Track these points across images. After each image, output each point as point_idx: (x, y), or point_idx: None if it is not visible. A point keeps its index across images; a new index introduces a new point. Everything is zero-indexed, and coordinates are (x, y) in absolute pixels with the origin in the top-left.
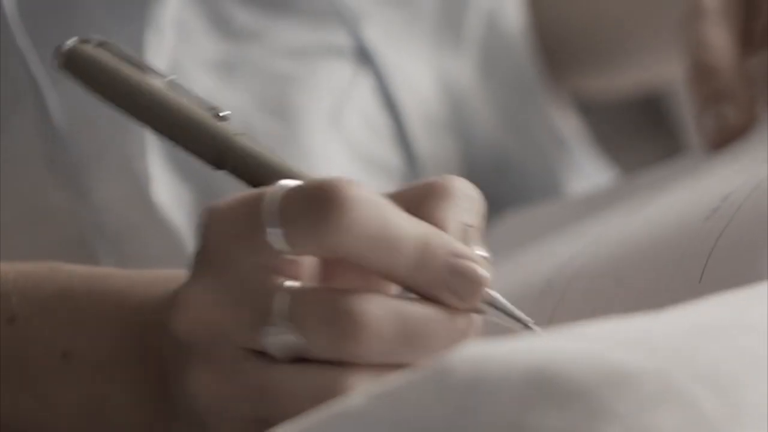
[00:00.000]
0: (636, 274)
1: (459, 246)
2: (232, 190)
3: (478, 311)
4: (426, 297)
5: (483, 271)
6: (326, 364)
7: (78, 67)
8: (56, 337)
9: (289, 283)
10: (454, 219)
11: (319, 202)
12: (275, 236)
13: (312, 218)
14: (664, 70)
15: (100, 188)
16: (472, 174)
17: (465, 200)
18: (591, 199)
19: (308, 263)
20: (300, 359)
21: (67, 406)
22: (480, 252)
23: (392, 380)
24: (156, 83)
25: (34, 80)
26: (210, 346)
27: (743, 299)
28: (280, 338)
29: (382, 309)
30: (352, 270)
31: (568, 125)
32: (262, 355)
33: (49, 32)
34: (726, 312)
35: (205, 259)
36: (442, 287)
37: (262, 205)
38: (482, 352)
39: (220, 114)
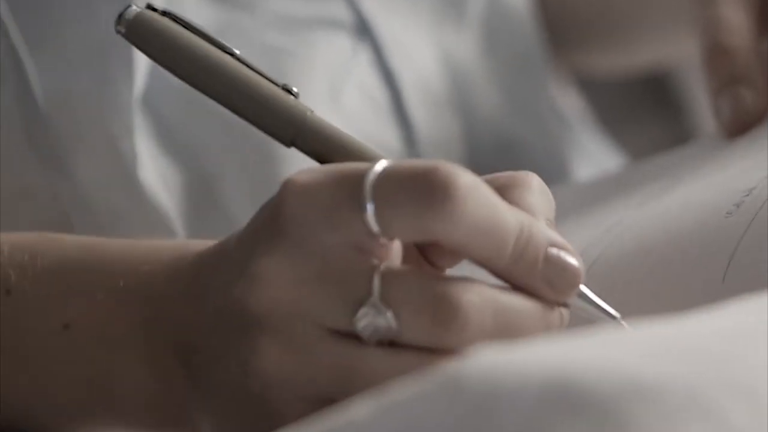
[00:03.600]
0: (653, 272)
1: (557, 236)
2: (227, 173)
3: (566, 305)
4: (520, 287)
5: (579, 264)
6: (416, 349)
7: (143, 35)
8: (55, 308)
9: (385, 265)
10: (541, 211)
11: (430, 187)
12: (374, 217)
13: (421, 203)
14: (675, 49)
15: (84, 168)
16: (473, 154)
17: (545, 195)
18: (600, 185)
19: (396, 246)
20: (387, 343)
21: (69, 379)
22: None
23: (400, 389)
24: (226, 57)
25: (15, 54)
26: (287, 321)
27: None
28: (373, 320)
29: (479, 298)
30: (440, 253)
31: (572, 104)
32: (345, 335)
33: (31, 5)
34: (753, 317)
35: (281, 232)
36: (539, 278)
37: (363, 183)
38: (496, 360)
39: (291, 90)
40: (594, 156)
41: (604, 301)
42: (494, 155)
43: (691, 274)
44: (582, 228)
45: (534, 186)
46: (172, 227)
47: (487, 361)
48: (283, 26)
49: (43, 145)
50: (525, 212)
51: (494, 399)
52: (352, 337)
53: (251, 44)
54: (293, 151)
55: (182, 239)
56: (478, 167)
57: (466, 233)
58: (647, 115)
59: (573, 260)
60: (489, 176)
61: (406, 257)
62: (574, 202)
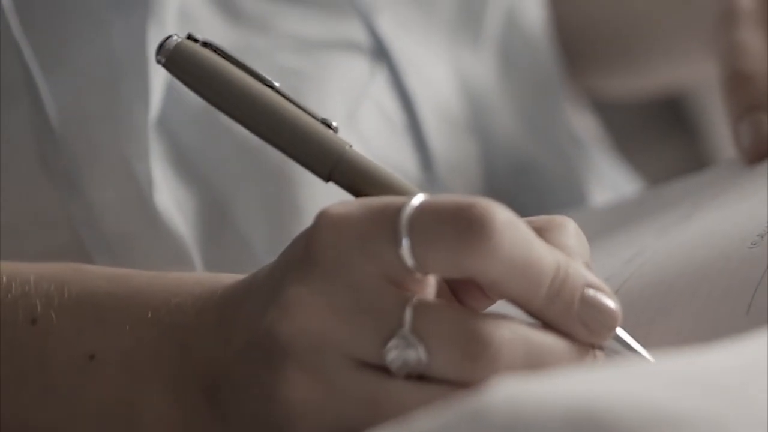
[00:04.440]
0: (677, 302)
1: (594, 278)
2: (241, 198)
3: (600, 347)
4: (554, 327)
5: (617, 306)
6: (445, 383)
7: (183, 66)
8: (80, 338)
9: (417, 297)
10: (578, 253)
11: (467, 224)
12: (409, 251)
13: (458, 239)
14: (691, 72)
15: (97, 191)
16: (490, 177)
17: (581, 239)
18: (617, 211)
19: (430, 281)
20: (416, 376)
21: (93, 410)
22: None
23: (423, 419)
24: (265, 89)
25: (29, 74)
26: (315, 352)
27: None
28: (403, 353)
29: (511, 334)
30: (473, 292)
31: (588, 128)
32: (374, 367)
33: (45, 24)
34: None
35: (314, 262)
36: (574, 319)
37: (400, 217)
38: (519, 391)
39: (330, 124)
40: (610, 180)
41: (635, 329)
42: (511, 178)
43: (715, 307)
44: (601, 256)
45: (570, 229)
46: (187, 252)
47: (511, 391)
48: (300, 48)
49: (56, 167)
50: (562, 252)
51: (517, 430)
52: (381, 369)
53: (267, 66)
54: (309, 177)
55: (211, 273)
56: (495, 190)
57: (502, 270)
58: (663, 139)
59: (610, 302)
60: (525, 219)
61: (439, 296)
62: (592, 228)
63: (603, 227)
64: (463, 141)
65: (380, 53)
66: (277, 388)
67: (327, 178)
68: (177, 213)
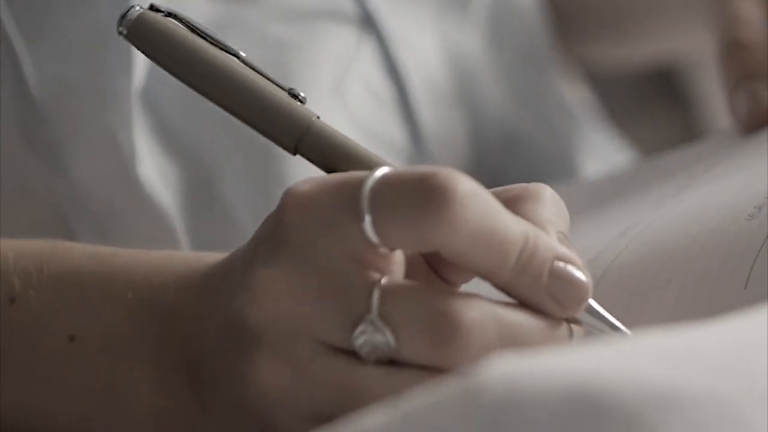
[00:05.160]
0: (673, 276)
1: (564, 249)
2: (228, 171)
3: (576, 321)
4: (524, 302)
5: (587, 278)
6: (417, 368)
7: (145, 37)
8: (62, 318)
9: (385, 279)
10: (553, 223)
11: (427, 194)
12: (372, 227)
13: (418, 210)
14: (684, 42)
15: (80, 163)
16: (479, 150)
17: (559, 208)
18: (610, 183)
19: (398, 258)
20: (386, 361)
21: (73, 391)
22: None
23: (415, 398)
24: (230, 60)
25: (10, 46)
26: (285, 337)
27: None
28: (371, 337)
29: (482, 315)
30: (450, 266)
31: (580, 99)
32: (344, 352)
33: None
34: None
35: (281, 244)
36: (544, 292)
37: (361, 192)
38: (515, 368)
39: (298, 95)
40: (602, 152)
41: (623, 308)
42: (501, 151)
43: (712, 281)
44: (593, 230)
45: (546, 198)
46: (172, 226)
47: (506, 369)
48: (288, 19)
49: (39, 139)
50: (532, 224)
51: (513, 410)
52: (351, 354)
53: (255, 37)
54: None
55: (196, 252)
56: (485, 163)
57: (466, 242)
58: (655, 110)
59: (580, 274)
60: (500, 188)
61: (414, 272)
62: (584, 201)
63: (595, 199)
64: (451, 113)
65: (368, 24)
66: (249, 374)
67: (294, 151)
68: (161, 186)
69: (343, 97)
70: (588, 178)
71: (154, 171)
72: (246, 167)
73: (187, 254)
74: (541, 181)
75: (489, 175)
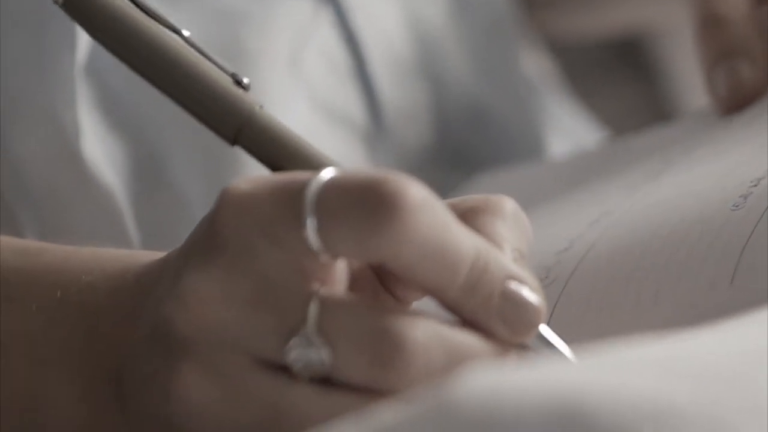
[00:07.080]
0: (651, 270)
1: (517, 269)
2: (177, 150)
3: (525, 347)
4: (473, 324)
5: (540, 302)
6: (352, 389)
7: (81, 8)
8: None
9: (324, 291)
10: (509, 241)
11: (375, 202)
12: (315, 233)
13: (364, 219)
14: (650, 11)
15: (20, 141)
16: (442, 125)
17: (519, 224)
18: (580, 164)
19: (340, 268)
20: (322, 379)
21: None
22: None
23: (384, 415)
24: (170, 38)
25: None
26: (213, 348)
27: None
28: (304, 352)
29: (427, 335)
30: (402, 286)
31: (544, 70)
32: (276, 368)
33: None
34: (764, 335)
35: (215, 248)
36: (493, 315)
37: (304, 196)
38: (492, 383)
39: (241, 81)
40: (568, 127)
41: (599, 303)
42: (464, 126)
43: (695, 276)
44: (563, 216)
45: (506, 212)
46: (118, 208)
47: (484, 383)
48: None
49: None
50: (487, 240)
51: (491, 427)
52: (285, 370)
53: (207, 7)
54: None
55: (130, 250)
56: (448, 138)
57: (413, 255)
58: (621, 82)
59: (533, 298)
60: (459, 198)
61: (361, 286)
62: (553, 182)
63: (564, 182)
64: (413, 86)
65: None
66: (173, 387)
67: (232, 142)
68: (107, 165)
69: (300, 68)
70: (555, 158)
71: (99, 149)
72: (196, 146)
73: (121, 252)
74: (505, 158)
75: (452, 151)
